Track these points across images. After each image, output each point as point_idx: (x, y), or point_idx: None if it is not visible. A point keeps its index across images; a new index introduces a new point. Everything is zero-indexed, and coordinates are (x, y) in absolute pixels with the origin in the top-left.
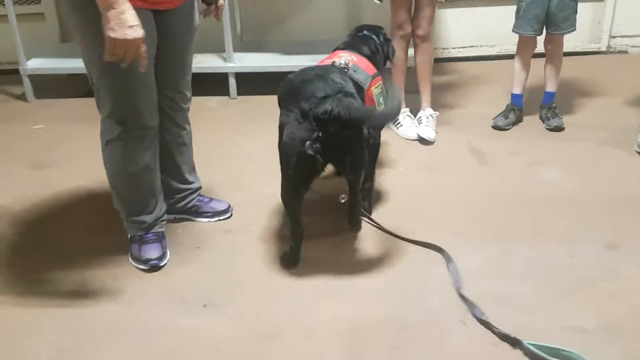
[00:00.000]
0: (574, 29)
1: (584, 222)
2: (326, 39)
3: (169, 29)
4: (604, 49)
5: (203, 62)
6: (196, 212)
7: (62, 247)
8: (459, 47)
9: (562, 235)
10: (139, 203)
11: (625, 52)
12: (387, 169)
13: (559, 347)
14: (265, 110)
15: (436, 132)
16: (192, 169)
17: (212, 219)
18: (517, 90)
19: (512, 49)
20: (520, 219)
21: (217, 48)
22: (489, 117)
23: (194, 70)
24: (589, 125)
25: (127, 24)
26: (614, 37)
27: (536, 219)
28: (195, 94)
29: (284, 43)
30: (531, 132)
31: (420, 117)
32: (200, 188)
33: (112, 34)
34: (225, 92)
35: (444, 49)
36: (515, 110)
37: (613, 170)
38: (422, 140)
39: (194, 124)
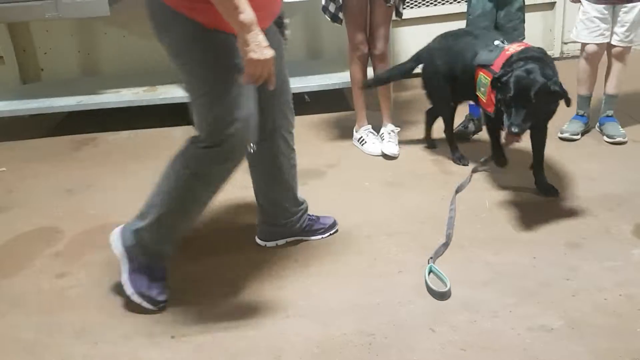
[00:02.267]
0: (523, 38)
1: (545, 224)
2: (287, 62)
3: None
4: (557, 55)
5: (166, 93)
6: (310, 231)
7: (25, 292)
8: None
9: (524, 239)
10: (180, 233)
11: (577, 57)
12: (352, 185)
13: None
14: None
15: (399, 147)
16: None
17: (324, 235)
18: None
19: None
20: (483, 226)
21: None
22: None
23: (157, 102)
24: None
25: (263, 44)
26: (566, 44)
27: (499, 225)
28: (162, 124)
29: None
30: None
31: (383, 133)
32: (307, 206)
33: (254, 56)
34: (190, 121)
35: None
36: (474, 120)
37: (566, 170)
38: (386, 156)
39: (159, 155)
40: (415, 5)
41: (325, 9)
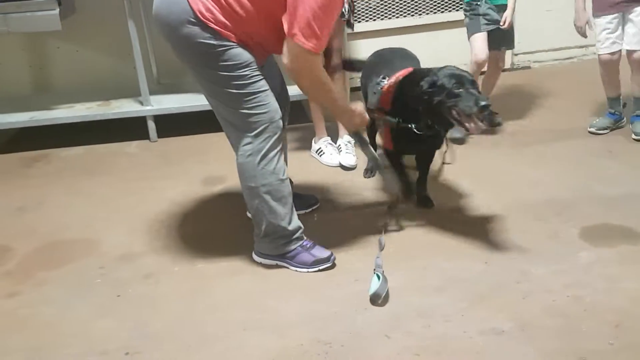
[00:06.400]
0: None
1: (497, 229)
2: None
3: None
4: (507, 66)
5: (120, 107)
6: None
7: None
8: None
9: (477, 245)
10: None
11: (528, 67)
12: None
13: None
14: (187, 151)
15: (356, 158)
16: None
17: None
18: None
19: None
20: (437, 234)
21: (135, 92)
22: None
23: (111, 117)
24: (493, 138)
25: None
26: (516, 55)
27: (452, 233)
28: (114, 139)
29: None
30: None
31: (339, 144)
32: None
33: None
34: (145, 136)
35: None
36: None
37: (515, 180)
38: (344, 167)
39: (112, 171)
40: (371, 18)
41: None
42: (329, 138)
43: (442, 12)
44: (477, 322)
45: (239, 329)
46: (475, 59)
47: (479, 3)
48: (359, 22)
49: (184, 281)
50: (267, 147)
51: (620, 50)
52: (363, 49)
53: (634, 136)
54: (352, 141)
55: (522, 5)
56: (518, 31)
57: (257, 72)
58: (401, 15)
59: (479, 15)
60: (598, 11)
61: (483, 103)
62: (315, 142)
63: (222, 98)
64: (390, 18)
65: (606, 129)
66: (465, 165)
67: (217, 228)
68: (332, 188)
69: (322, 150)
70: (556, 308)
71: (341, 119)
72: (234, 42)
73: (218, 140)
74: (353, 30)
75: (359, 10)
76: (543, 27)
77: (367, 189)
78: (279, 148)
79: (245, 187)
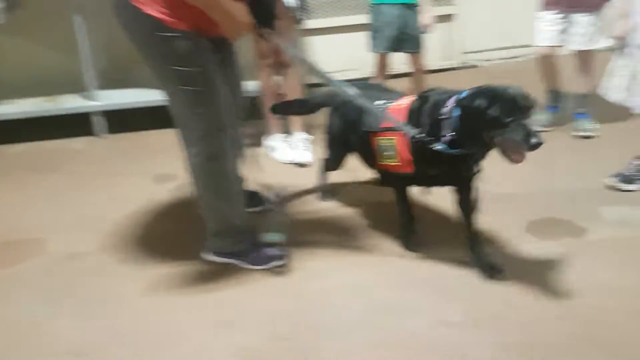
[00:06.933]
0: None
1: (446, 225)
2: None
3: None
4: (457, 65)
5: (66, 103)
6: None
7: None
8: (330, 72)
9: (435, 240)
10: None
11: (475, 66)
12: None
13: None
14: (139, 148)
15: (312, 154)
16: None
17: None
18: None
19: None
20: (391, 232)
21: (83, 88)
22: None
23: (57, 112)
24: None
25: None
26: (465, 54)
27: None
28: (62, 136)
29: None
30: None
31: (294, 141)
32: None
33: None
34: (92, 132)
35: None
36: None
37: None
38: (298, 164)
39: (60, 168)
40: (322, 16)
41: None
42: (282, 135)
43: None
44: (437, 316)
45: (195, 328)
46: None
47: None
48: (313, 19)
49: (135, 281)
50: (216, 145)
51: (558, 46)
52: (317, 46)
53: (574, 133)
54: (308, 138)
55: (469, 6)
56: (466, 30)
57: (211, 69)
58: (358, 12)
59: None
60: (544, 6)
61: (536, 140)
62: (268, 139)
63: (174, 93)
64: (342, 16)
65: (550, 125)
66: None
67: (168, 226)
68: (286, 185)
69: (275, 147)
70: (506, 300)
71: (223, 22)
72: (185, 30)
73: (171, 137)
74: (302, 26)
75: (312, 7)
76: (490, 27)
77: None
78: (229, 147)
79: (196, 186)
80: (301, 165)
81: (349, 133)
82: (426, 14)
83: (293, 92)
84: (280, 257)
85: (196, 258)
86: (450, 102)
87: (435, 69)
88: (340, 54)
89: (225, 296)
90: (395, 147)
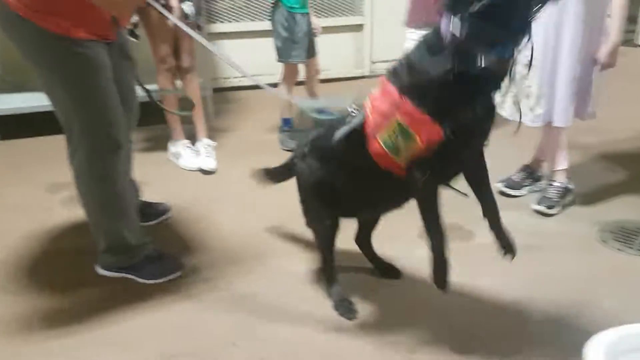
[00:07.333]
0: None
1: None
2: None
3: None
4: (367, 73)
5: (10, 103)
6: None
7: None
8: (240, 77)
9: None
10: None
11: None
12: (172, 203)
13: None
14: (32, 155)
15: (216, 161)
16: None
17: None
18: (286, 115)
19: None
20: (291, 237)
21: None
22: (267, 142)
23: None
24: None
25: None
26: (374, 63)
27: (298, 233)
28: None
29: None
30: None
31: (199, 147)
32: None
33: None
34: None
35: (225, 78)
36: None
37: None
38: (203, 171)
39: None
40: (235, 20)
41: None
42: (187, 141)
43: (319, 16)
44: (321, 322)
45: (82, 346)
46: None
47: None
48: (222, 22)
49: (23, 298)
50: (106, 166)
51: None
52: (228, 50)
53: None
54: (212, 144)
55: (378, 16)
56: (378, 40)
57: (102, 75)
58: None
59: None
60: (411, 23)
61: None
62: (172, 145)
63: (58, 97)
64: (253, 20)
65: None
66: None
67: (60, 240)
68: (190, 193)
69: (180, 153)
70: (392, 303)
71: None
72: (71, 36)
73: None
74: (201, 30)
75: (221, 10)
76: (398, 38)
77: (228, 193)
78: (120, 165)
79: (81, 200)
80: (206, 172)
81: (335, 169)
82: (314, 19)
83: (193, 96)
84: (176, 269)
85: (88, 272)
86: (444, 28)
87: (345, 77)
88: (256, 58)
89: (111, 311)
90: (402, 126)
